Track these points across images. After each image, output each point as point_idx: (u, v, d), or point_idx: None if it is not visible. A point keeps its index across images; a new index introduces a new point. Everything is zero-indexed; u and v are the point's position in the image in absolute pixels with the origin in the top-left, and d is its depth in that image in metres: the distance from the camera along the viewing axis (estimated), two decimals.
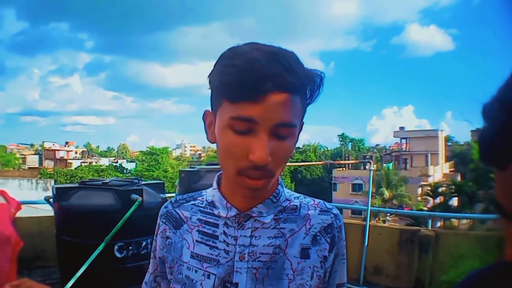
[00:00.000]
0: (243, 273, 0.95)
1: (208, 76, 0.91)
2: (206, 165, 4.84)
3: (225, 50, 0.89)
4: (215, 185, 1.05)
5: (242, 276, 0.95)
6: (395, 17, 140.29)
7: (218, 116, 0.91)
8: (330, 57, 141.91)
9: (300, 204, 1.04)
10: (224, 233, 0.98)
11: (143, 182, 4.02)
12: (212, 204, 1.03)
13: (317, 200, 1.08)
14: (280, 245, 0.97)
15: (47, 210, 4.53)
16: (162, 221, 1.08)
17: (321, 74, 0.91)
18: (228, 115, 0.86)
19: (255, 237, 0.97)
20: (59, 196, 3.67)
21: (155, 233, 1.10)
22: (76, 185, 3.85)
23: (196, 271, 0.98)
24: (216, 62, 0.89)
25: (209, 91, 0.94)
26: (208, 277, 0.96)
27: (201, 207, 1.05)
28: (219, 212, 1.00)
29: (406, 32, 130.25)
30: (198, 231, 1.01)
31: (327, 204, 1.08)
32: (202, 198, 1.07)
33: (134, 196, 3.49)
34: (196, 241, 1.00)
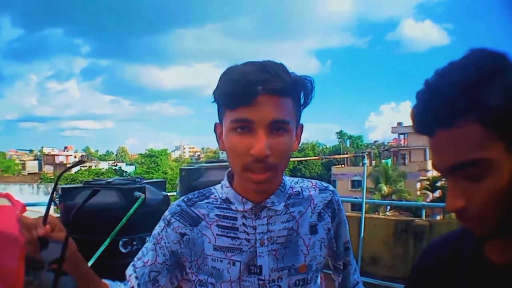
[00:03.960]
0: (265, 256, 1.10)
1: (213, 93, 1.07)
2: (206, 163, 4.92)
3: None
4: (227, 183, 1.16)
5: (264, 259, 1.10)
6: (390, 13, 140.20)
7: (223, 124, 1.07)
8: (326, 55, 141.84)
9: (301, 188, 1.21)
10: (244, 224, 1.11)
11: (145, 181, 4.14)
12: (227, 200, 1.14)
13: (314, 181, 1.26)
14: (292, 227, 1.13)
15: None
16: (175, 219, 1.14)
17: (311, 79, 1.08)
18: (229, 120, 1.02)
19: (271, 224, 1.11)
20: (65, 196, 3.79)
21: (161, 227, 1.16)
22: (81, 185, 3.97)
23: (221, 261, 1.10)
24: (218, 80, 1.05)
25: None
26: (234, 264, 1.09)
27: (216, 204, 1.15)
28: (236, 207, 1.12)
29: (401, 27, 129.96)
30: (218, 225, 1.12)
31: (323, 183, 1.26)
32: (215, 196, 1.17)
33: (137, 193, 3.61)
34: (217, 234, 1.11)
